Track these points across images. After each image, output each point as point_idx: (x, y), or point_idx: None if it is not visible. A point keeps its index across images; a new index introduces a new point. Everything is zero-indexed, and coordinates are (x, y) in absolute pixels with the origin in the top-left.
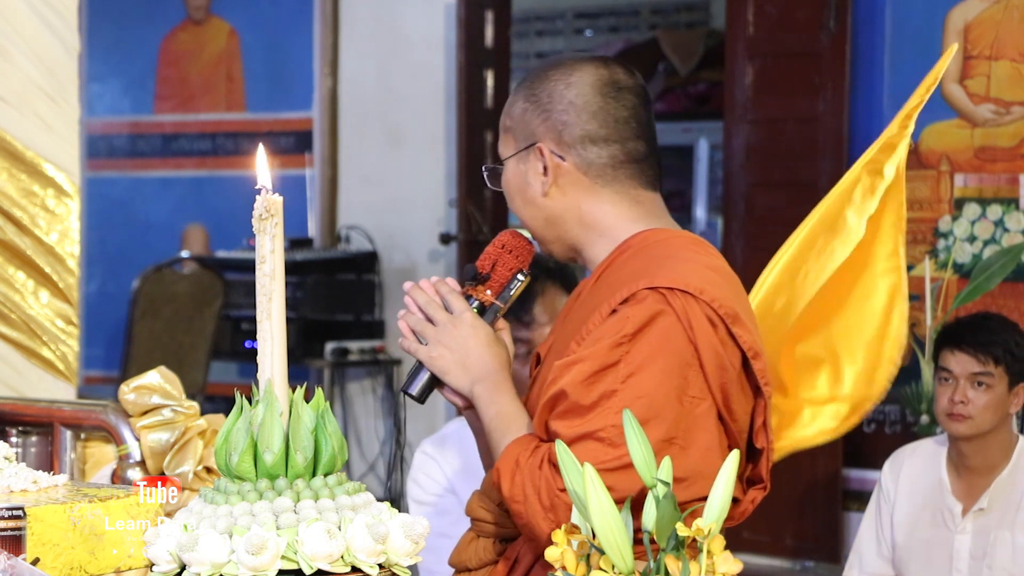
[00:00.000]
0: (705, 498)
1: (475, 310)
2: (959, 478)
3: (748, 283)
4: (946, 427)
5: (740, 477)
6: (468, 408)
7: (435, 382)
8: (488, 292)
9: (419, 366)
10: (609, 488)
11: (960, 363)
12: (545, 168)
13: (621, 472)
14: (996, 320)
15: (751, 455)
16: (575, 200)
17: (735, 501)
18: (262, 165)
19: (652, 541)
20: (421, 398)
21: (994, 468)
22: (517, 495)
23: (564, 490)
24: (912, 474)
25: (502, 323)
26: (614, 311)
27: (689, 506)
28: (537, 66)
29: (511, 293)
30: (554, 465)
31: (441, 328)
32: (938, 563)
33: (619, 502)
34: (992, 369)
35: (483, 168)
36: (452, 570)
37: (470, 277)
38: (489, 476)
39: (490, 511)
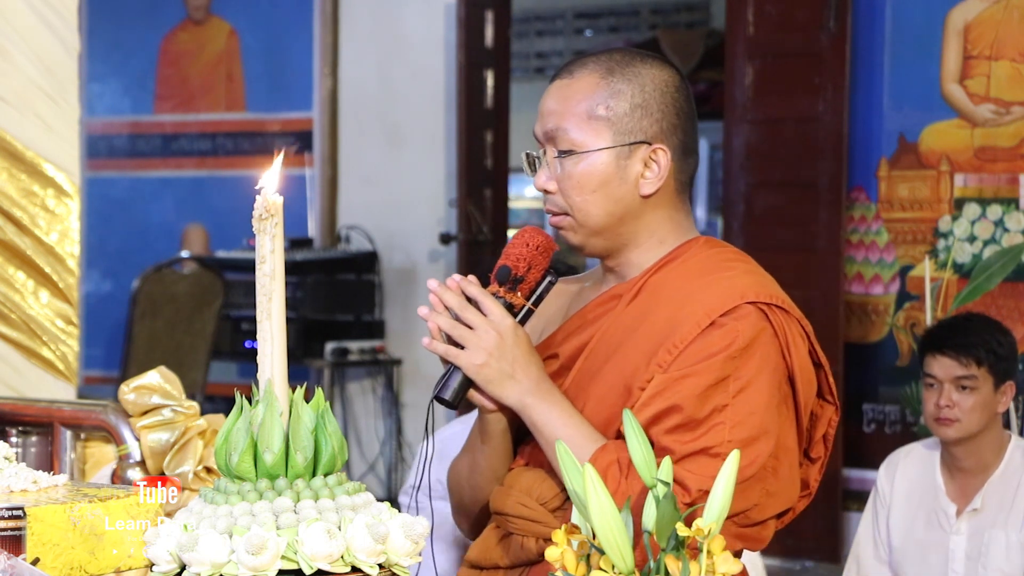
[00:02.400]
0: (788, 511)
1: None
2: (952, 479)
3: None
4: (935, 432)
5: None
6: (494, 412)
7: (467, 385)
8: (518, 294)
9: (451, 370)
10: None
11: (943, 367)
12: (657, 170)
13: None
14: (977, 321)
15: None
16: (660, 204)
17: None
18: (275, 169)
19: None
20: (455, 403)
21: (987, 468)
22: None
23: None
24: (907, 477)
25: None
26: (712, 323)
27: (776, 518)
28: (618, 57)
29: (541, 295)
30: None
31: (482, 334)
32: (934, 564)
33: (734, 516)
34: (975, 371)
35: (532, 154)
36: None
37: (505, 279)
38: (523, 474)
39: (534, 509)
